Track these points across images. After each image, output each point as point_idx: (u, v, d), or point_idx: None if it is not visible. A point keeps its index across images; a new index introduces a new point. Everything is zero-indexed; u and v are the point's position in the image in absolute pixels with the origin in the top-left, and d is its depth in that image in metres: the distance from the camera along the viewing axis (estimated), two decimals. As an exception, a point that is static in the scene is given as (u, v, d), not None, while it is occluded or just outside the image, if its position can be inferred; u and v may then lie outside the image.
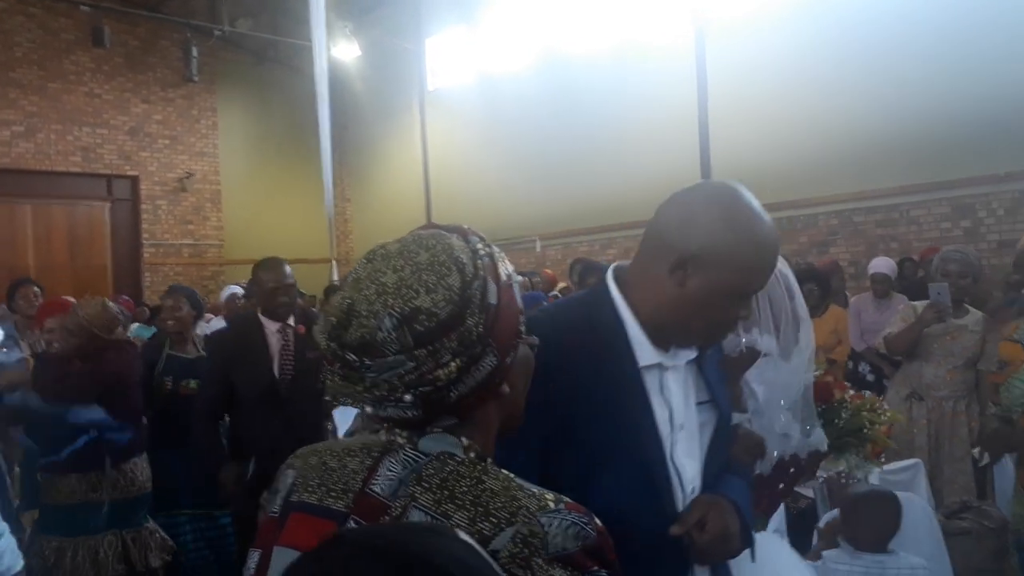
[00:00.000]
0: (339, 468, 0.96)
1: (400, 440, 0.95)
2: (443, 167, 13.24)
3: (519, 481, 0.91)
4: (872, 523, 2.62)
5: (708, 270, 1.23)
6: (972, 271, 3.77)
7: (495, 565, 0.66)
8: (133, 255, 13.39)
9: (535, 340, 1.04)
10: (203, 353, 4.03)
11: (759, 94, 8.93)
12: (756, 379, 1.98)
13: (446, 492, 0.88)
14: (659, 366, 1.30)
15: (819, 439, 2.16)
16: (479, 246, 0.96)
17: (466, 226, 1.00)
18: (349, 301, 0.92)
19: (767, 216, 1.29)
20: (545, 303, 5.85)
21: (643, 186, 10.17)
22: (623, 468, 1.26)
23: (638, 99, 10.17)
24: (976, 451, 3.65)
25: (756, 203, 1.29)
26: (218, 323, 6.73)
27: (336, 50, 12.55)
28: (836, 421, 2.23)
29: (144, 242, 13.41)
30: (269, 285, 3.47)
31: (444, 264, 0.91)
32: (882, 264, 5.55)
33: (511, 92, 11.89)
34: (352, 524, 0.90)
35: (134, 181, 13.44)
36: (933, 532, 2.82)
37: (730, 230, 1.23)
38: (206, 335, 4.28)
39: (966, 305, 3.79)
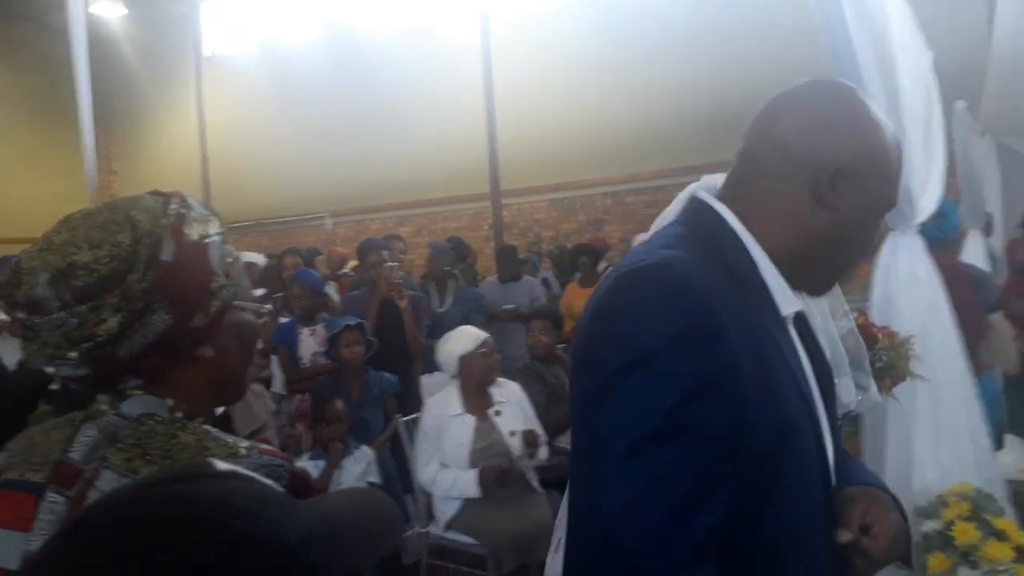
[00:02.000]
0: (43, 442, 0.95)
1: (103, 406, 0.96)
2: (223, 139, 12.54)
3: (218, 434, 0.94)
4: None
5: (861, 182, 1.00)
6: None
7: (264, 480, 0.66)
8: None
9: (265, 308, 1.04)
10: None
11: (542, 83, 9.39)
12: None
13: (138, 450, 0.90)
14: (796, 317, 1.05)
15: (874, 395, 1.92)
16: (172, 207, 0.97)
17: (185, 192, 1.01)
18: (17, 259, 0.93)
19: None
20: (323, 282, 5.78)
21: (436, 165, 10.36)
22: (800, 447, 0.98)
23: (429, 81, 10.29)
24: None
25: None
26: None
27: (97, 7, 11.42)
28: (877, 364, 1.98)
29: None
30: None
31: (118, 222, 0.93)
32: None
33: (299, 64, 11.49)
34: (51, 494, 0.90)
35: None
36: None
37: (876, 131, 1.02)
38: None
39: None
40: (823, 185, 0.99)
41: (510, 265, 5.82)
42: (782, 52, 6.85)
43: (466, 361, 3.59)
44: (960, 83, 5.10)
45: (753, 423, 0.90)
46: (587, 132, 9.21)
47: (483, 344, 3.60)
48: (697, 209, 1.07)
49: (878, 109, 1.05)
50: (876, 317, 2.34)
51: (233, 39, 12.62)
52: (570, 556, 0.98)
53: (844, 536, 0.99)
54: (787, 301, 1.03)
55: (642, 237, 5.58)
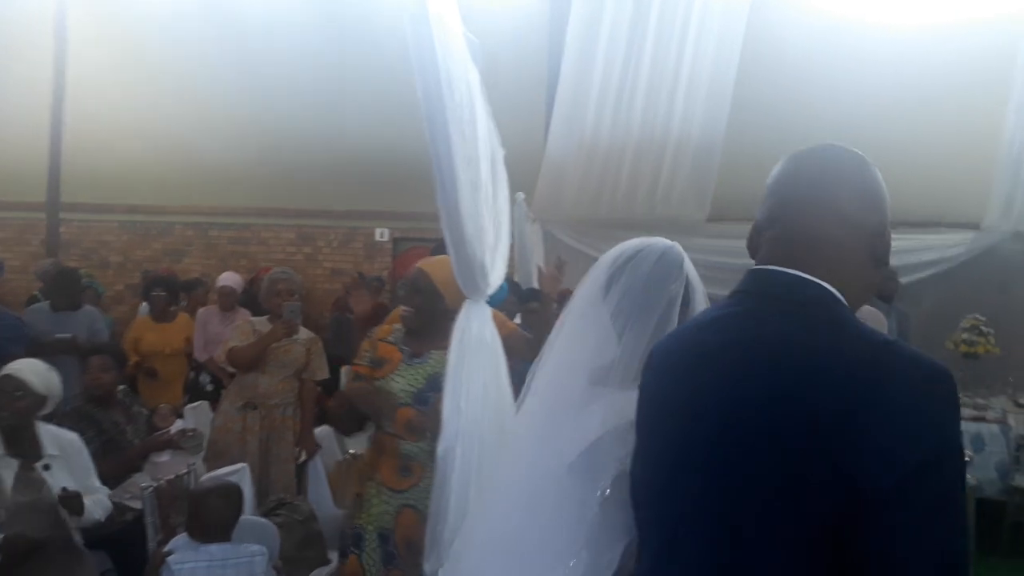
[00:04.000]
0: None
1: None
2: None
3: None
4: (215, 514, 2.79)
5: (889, 231, 1.16)
6: (298, 290, 4.35)
7: None
8: None
9: None
10: None
11: (128, 93, 8.46)
12: None
13: None
14: None
15: None
16: None
17: None
18: None
19: None
20: None
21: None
22: None
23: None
24: (297, 450, 4.18)
25: None
26: None
27: None
28: None
29: None
30: None
31: None
32: (229, 278, 5.83)
33: None
34: None
35: None
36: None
37: (883, 184, 1.17)
38: None
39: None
40: (879, 247, 1.14)
41: (69, 291, 5.11)
42: (396, 112, 7.21)
43: None
44: (519, 177, 5.97)
45: None
46: (173, 155, 8.57)
47: None
48: (812, 291, 1.10)
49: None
50: (449, 376, 2.55)
51: None
52: None
53: None
54: None
55: (229, 275, 5.36)
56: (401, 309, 2.83)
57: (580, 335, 1.57)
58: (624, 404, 1.37)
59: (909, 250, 6.21)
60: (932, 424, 0.95)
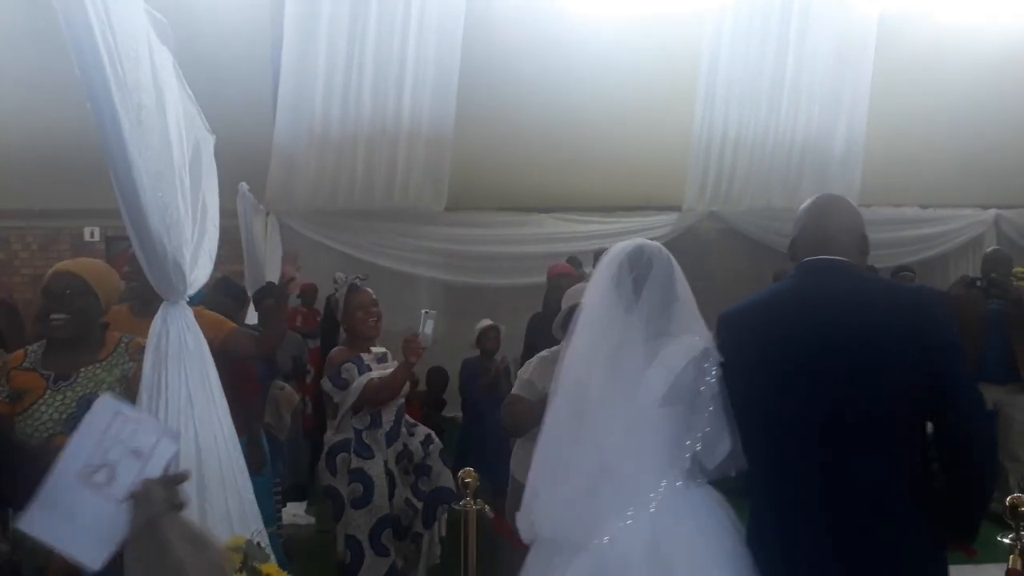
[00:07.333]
0: None
1: None
2: None
3: None
4: None
5: (865, 233, 2.07)
6: None
7: None
8: None
9: None
10: None
11: None
12: None
13: None
14: None
15: None
16: None
17: None
18: None
19: None
20: None
21: None
22: None
23: None
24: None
25: None
26: None
27: None
28: None
29: None
30: None
31: None
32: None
33: None
34: None
35: None
36: None
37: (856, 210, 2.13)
38: None
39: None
40: (862, 245, 2.05)
41: None
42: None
43: None
44: (244, 166, 5.63)
45: None
46: None
47: None
48: (852, 267, 2.00)
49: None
50: (145, 387, 2.31)
51: None
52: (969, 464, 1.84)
53: None
54: None
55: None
56: (51, 319, 2.40)
57: (607, 318, 2.06)
58: (683, 346, 2.02)
59: (621, 232, 6.82)
60: (953, 323, 1.94)
